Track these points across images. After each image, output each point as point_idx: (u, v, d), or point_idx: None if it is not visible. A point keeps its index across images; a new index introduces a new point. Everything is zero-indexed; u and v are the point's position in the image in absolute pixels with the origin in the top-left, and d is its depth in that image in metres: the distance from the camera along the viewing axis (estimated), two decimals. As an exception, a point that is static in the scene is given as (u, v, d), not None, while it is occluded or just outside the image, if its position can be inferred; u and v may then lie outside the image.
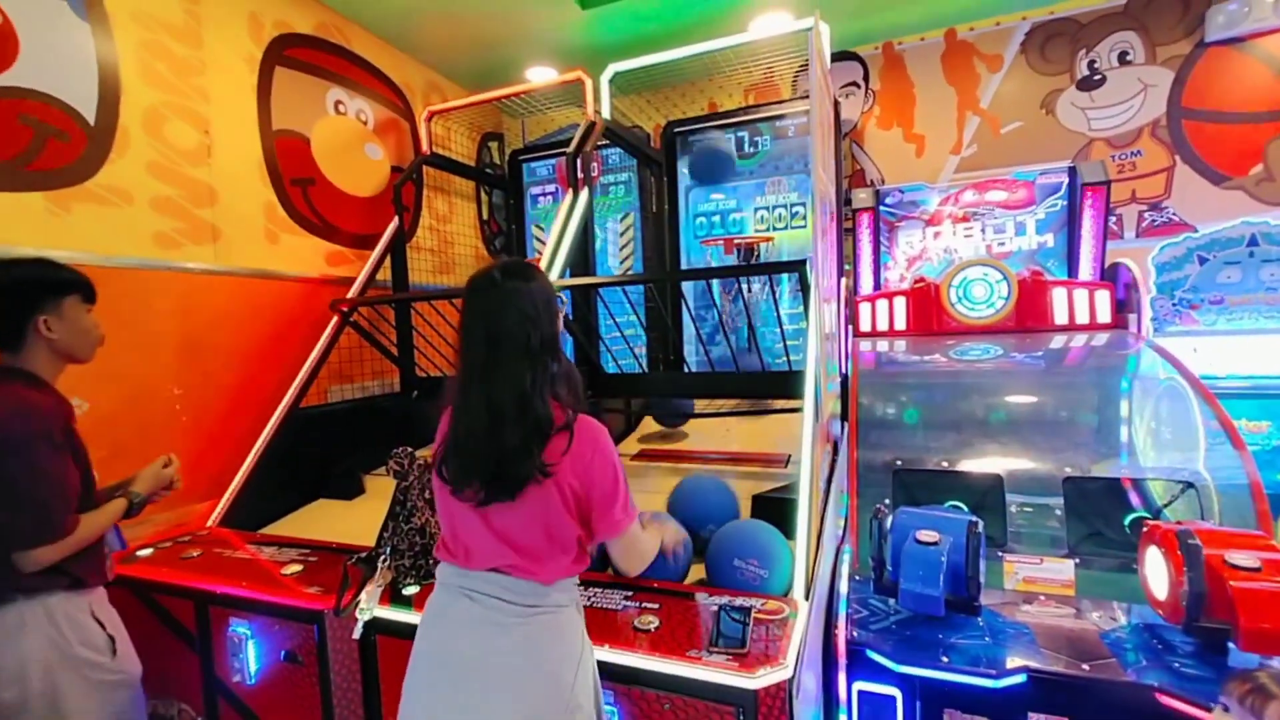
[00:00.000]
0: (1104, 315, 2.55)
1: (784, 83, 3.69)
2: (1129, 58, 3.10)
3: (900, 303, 2.92)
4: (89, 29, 2.07)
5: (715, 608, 1.38)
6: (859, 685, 1.48)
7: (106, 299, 1.46)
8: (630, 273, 3.68)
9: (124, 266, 2.15)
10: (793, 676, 1.16)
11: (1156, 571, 1.46)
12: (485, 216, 4.26)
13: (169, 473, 1.56)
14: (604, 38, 3.38)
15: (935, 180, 3.35)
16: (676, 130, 3.71)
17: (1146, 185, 3.09)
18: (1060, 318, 2.62)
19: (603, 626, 1.35)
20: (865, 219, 3.14)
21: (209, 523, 2.24)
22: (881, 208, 3.14)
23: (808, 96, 3.53)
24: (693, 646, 1.26)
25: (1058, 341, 2.60)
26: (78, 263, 1.44)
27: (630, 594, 1.51)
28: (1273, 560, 1.32)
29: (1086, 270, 2.70)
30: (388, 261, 3.17)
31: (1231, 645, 1.32)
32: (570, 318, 2.60)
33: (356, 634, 1.48)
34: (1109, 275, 2.66)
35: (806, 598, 1.45)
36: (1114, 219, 3.06)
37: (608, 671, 1.24)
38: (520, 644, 1.03)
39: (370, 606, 1.50)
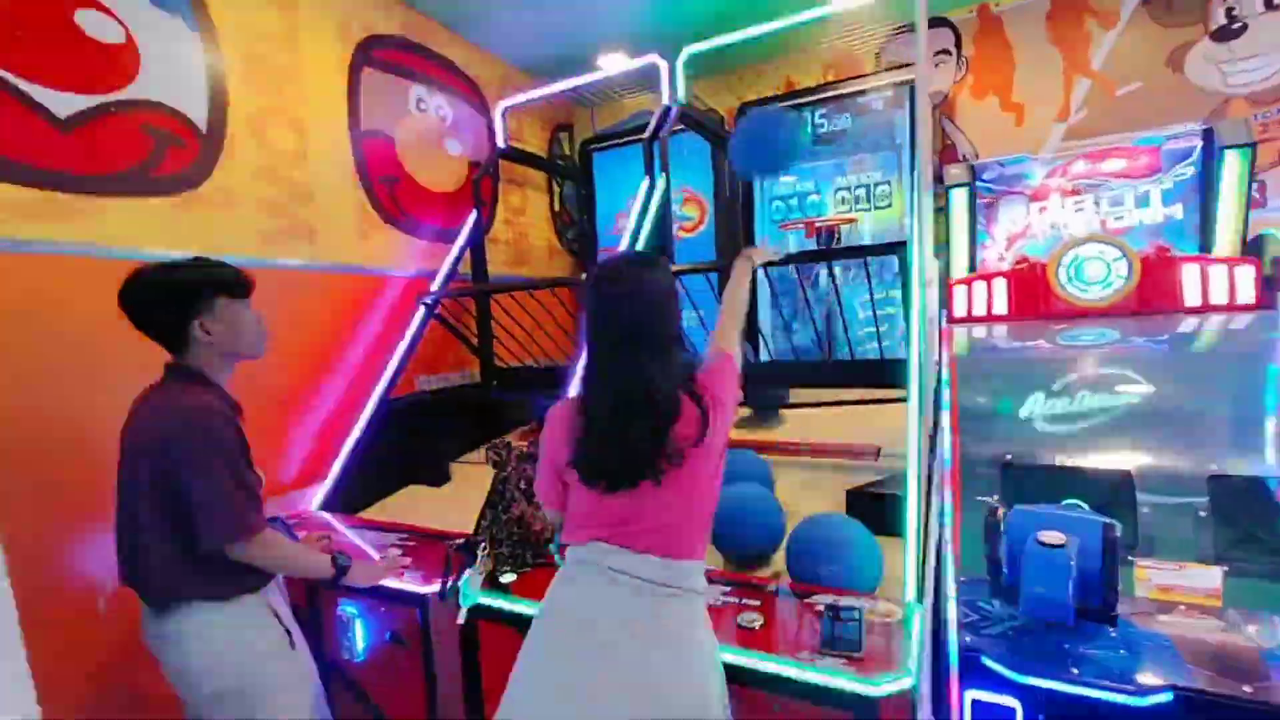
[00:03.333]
0: (1246, 294, 2.27)
1: (865, 57, 3.50)
2: (1276, 1, 2.72)
3: (1000, 285, 2.71)
4: (200, 41, 2.20)
5: (821, 607, 1.33)
6: (973, 694, 1.38)
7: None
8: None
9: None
10: (915, 684, 1.09)
11: (1332, 583, 1.28)
12: (557, 208, 4.29)
13: (389, 564, 1.56)
14: (677, 19, 3.30)
15: (1038, 151, 3.08)
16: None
17: (1296, 145, 2.73)
18: (1192, 299, 2.35)
19: (704, 622, 1.32)
20: (959, 196, 2.93)
21: (312, 506, 2.37)
22: (978, 183, 2.92)
23: (892, 68, 3.34)
24: (802, 648, 1.21)
25: (1188, 324, 2.34)
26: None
27: (728, 589, 1.47)
28: None
29: (1224, 245, 2.41)
30: (468, 256, 3.24)
31: None
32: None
33: (461, 619, 1.52)
34: (1253, 249, 2.36)
35: (920, 600, 1.37)
36: (1255, 186, 2.72)
37: (713, 668, 1.21)
38: (653, 624, 1.03)
39: (474, 593, 1.54)
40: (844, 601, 1.35)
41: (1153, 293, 2.42)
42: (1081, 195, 2.74)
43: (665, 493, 1.04)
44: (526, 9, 3.22)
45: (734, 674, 1.21)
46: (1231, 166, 2.34)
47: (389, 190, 3.02)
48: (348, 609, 1.75)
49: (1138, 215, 2.64)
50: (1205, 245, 2.47)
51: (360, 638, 1.75)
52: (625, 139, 3.82)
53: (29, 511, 1.69)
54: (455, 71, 3.44)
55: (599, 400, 1.06)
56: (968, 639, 1.43)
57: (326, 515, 2.31)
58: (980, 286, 2.76)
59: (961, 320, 2.78)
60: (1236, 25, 2.79)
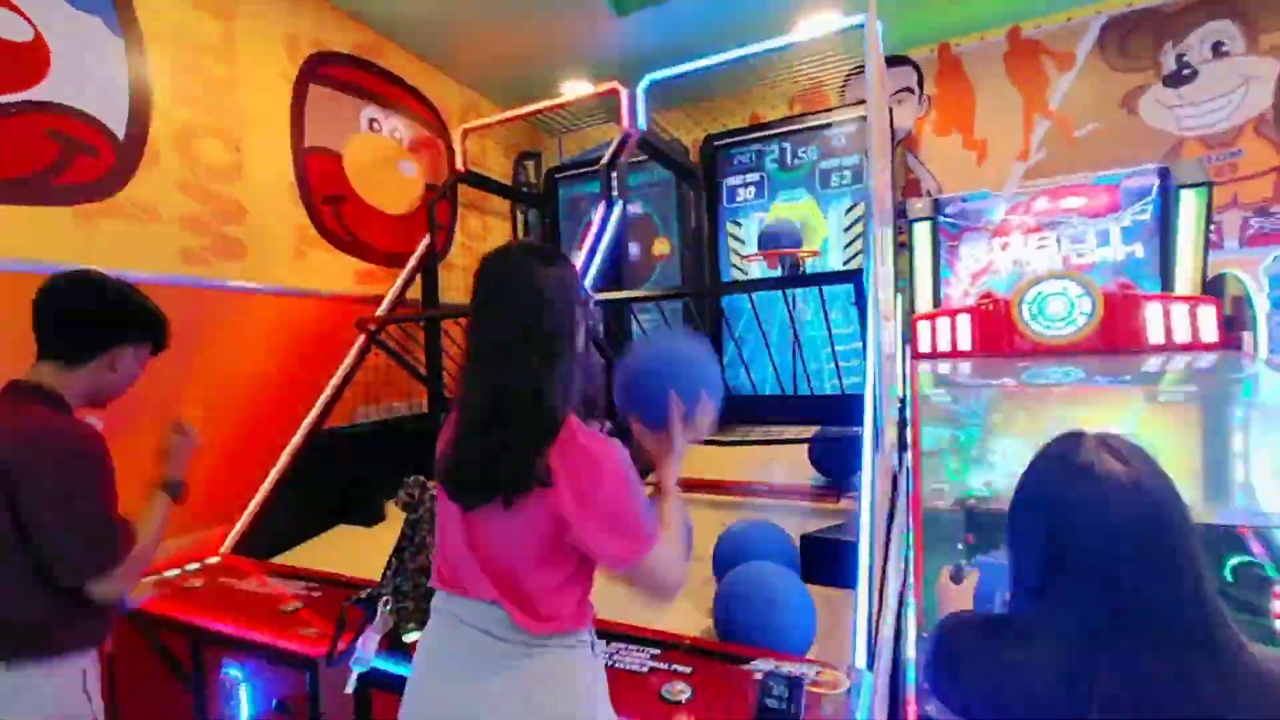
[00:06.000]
0: (1209, 334, 2.22)
1: (831, 91, 3.51)
2: (1225, 49, 2.78)
3: (964, 321, 2.65)
4: (123, 45, 2.07)
5: (759, 675, 1.16)
6: (935, 774, 1.23)
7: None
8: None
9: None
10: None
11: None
12: (520, 236, 4.18)
13: (189, 436, 1.36)
14: (641, 48, 3.28)
15: (999, 189, 3.07)
16: (717, 144, 3.56)
17: (1251, 188, 2.74)
18: (1155, 337, 2.30)
19: (624, 693, 1.14)
20: (922, 230, 2.89)
21: (221, 549, 2.14)
22: (941, 218, 2.89)
23: (858, 104, 3.34)
24: (732, 724, 1.04)
25: (1153, 364, 2.29)
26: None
27: (657, 652, 1.30)
28: None
29: (1184, 283, 2.38)
30: (420, 281, 3.10)
31: None
32: (601, 337, 2.44)
33: (349, 688, 1.31)
34: (1213, 290, 2.33)
35: (870, 667, 1.21)
36: (1211, 227, 2.72)
37: (628, 753, 1.03)
38: (512, 688, 0.85)
39: (367, 655, 1.34)
40: (784, 669, 1.19)
41: (1116, 331, 2.36)
42: (1044, 233, 2.71)
43: (523, 526, 0.85)
44: (489, 34, 3.17)
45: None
46: (1189, 205, 2.32)
47: (334, 209, 2.88)
48: (232, 672, 1.53)
49: (1099, 253, 2.62)
50: (1166, 283, 2.44)
51: (245, 704, 1.53)
52: (591, 168, 3.76)
53: None
54: (414, 94, 3.36)
55: (473, 398, 0.88)
56: (927, 709, 1.28)
57: (236, 560, 2.08)
58: (944, 322, 2.70)
59: (926, 356, 2.70)
60: (1187, 71, 2.84)
